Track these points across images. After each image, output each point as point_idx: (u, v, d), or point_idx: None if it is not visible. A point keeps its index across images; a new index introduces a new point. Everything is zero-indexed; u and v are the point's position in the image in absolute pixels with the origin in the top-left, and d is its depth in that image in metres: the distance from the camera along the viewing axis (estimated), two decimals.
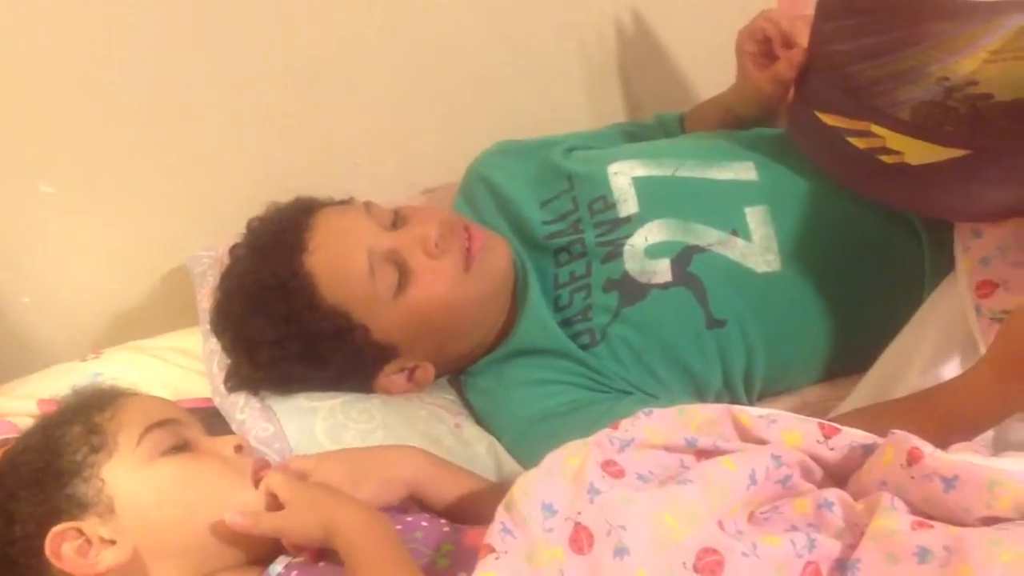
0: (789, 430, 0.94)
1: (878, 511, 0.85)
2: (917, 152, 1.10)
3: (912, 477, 0.86)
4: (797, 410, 1.11)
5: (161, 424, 0.99)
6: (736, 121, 1.45)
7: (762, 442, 0.93)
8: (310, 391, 1.26)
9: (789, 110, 1.35)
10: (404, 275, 1.24)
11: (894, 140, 1.11)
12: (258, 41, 1.50)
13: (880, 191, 1.19)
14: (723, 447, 0.93)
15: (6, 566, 0.94)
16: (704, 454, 0.93)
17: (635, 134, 1.55)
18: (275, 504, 0.96)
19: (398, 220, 1.28)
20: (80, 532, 0.93)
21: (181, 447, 1.00)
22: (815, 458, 0.93)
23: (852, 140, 1.15)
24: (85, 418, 0.99)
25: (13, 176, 1.44)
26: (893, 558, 0.81)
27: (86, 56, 1.41)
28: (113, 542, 0.93)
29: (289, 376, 1.25)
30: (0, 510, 0.95)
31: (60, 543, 0.92)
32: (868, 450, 0.93)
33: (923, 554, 0.80)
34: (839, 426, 0.94)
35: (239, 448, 1.03)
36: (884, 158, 1.13)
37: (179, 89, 1.48)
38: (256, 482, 0.99)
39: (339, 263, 1.23)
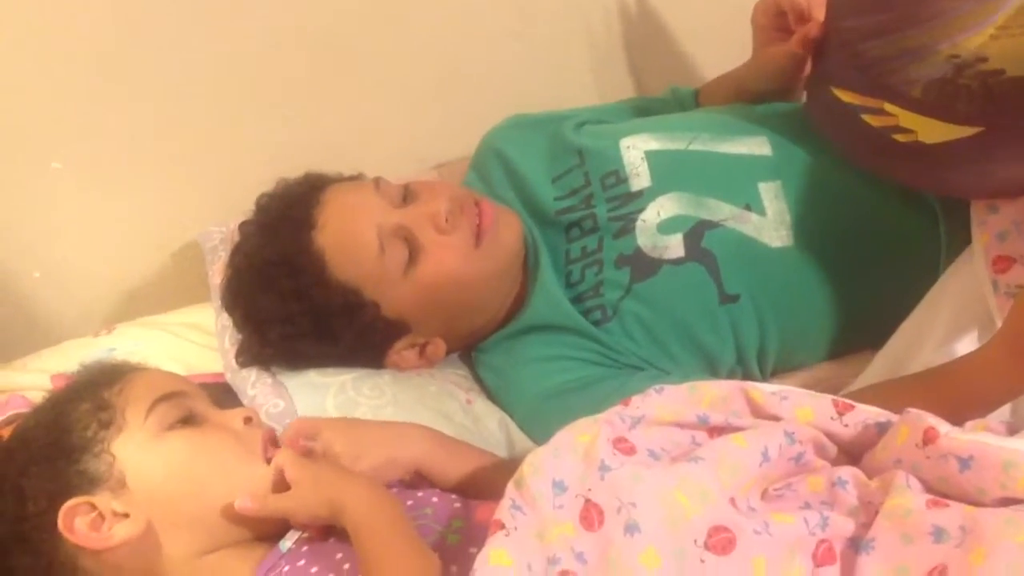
0: (802, 406, 0.94)
1: (892, 490, 0.85)
2: (930, 131, 1.08)
3: (927, 457, 0.86)
4: (810, 386, 1.10)
5: (168, 397, 0.99)
6: (751, 96, 1.44)
7: (775, 419, 0.93)
8: (321, 368, 1.26)
9: (806, 86, 1.34)
10: (414, 251, 1.23)
11: (907, 119, 1.09)
12: (267, 17, 1.50)
13: (894, 170, 1.18)
14: (735, 424, 0.92)
15: (19, 542, 0.95)
16: (716, 431, 0.93)
17: (648, 108, 1.54)
18: (283, 480, 0.96)
19: (408, 196, 1.28)
20: (92, 506, 0.94)
21: (189, 420, 1.00)
22: (828, 435, 0.93)
23: (866, 118, 1.14)
24: (93, 394, 0.99)
25: (24, 153, 1.44)
26: (908, 537, 0.81)
27: (95, 34, 1.40)
28: (126, 515, 0.94)
29: (299, 353, 1.25)
30: (12, 487, 0.95)
31: (73, 518, 0.93)
32: (882, 428, 0.92)
33: (938, 534, 0.80)
34: (853, 403, 0.94)
35: (248, 420, 1.03)
36: (898, 137, 1.12)
37: (189, 65, 1.48)
38: (267, 459, 0.99)
39: (348, 240, 1.22)
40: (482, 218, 1.26)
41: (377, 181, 1.28)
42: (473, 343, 1.36)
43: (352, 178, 1.32)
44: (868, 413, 0.93)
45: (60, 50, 1.40)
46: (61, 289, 1.56)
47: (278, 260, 1.23)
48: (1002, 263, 1.10)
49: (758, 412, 0.94)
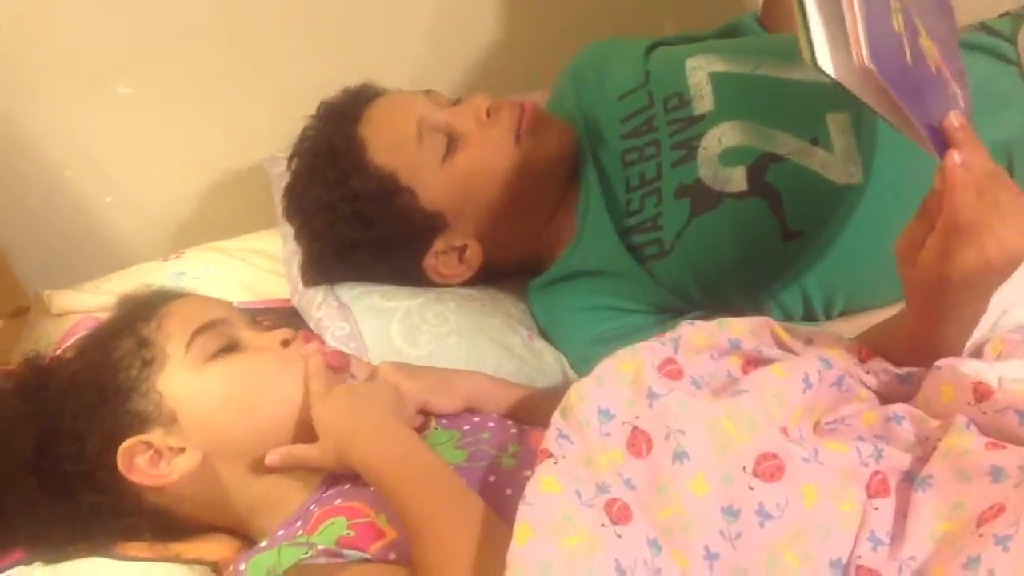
0: (828, 347, 0.93)
1: (952, 429, 0.83)
2: None
3: (984, 413, 0.84)
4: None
5: (206, 328, 0.99)
6: None
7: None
8: (370, 269, 1.29)
9: None
10: (453, 142, 1.27)
11: None
12: None
13: None
14: (767, 354, 0.92)
15: (85, 480, 0.96)
16: (751, 363, 0.93)
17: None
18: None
19: (457, 103, 1.31)
20: (149, 444, 0.95)
21: (229, 347, 1.00)
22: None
23: None
24: (133, 331, 1.00)
25: (93, 79, 1.47)
26: (965, 475, 0.80)
27: None
28: (182, 449, 0.95)
29: (342, 242, 1.27)
30: (69, 430, 0.96)
31: (132, 457, 0.94)
32: (902, 379, 0.91)
33: (996, 473, 0.79)
34: (873, 351, 0.93)
35: (286, 342, 1.02)
36: None
37: None
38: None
39: (388, 127, 1.27)
40: (523, 115, 1.29)
41: (429, 91, 1.32)
42: (517, 264, 1.37)
43: None
44: (887, 363, 0.92)
45: None
46: (132, 214, 1.59)
47: (324, 150, 1.28)
48: None
49: (783, 348, 0.94)
